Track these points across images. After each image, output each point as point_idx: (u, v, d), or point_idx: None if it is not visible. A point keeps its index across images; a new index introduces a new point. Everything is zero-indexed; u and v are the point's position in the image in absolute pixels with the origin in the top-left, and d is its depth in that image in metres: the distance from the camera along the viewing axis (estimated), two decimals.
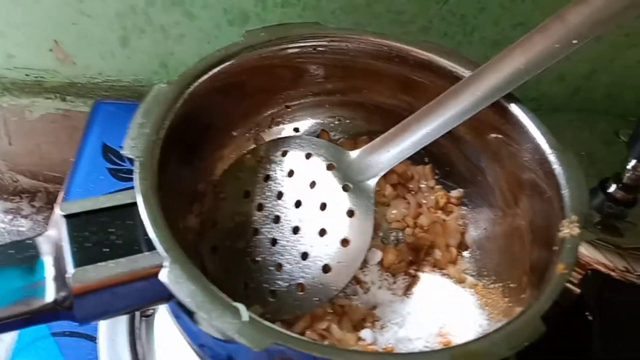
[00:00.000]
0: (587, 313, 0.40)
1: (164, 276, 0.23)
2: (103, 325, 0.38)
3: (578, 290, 0.42)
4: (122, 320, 0.38)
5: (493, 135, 0.35)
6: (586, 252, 0.42)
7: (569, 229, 0.27)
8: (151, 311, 0.39)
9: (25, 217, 0.66)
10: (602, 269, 0.42)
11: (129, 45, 0.51)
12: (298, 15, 0.48)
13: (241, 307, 0.22)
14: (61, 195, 0.46)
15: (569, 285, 0.43)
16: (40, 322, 0.25)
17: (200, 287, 0.22)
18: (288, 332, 0.22)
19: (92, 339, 0.38)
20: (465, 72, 0.34)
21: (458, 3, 0.48)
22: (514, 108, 0.32)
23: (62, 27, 0.50)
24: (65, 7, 0.48)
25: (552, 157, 0.30)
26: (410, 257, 0.37)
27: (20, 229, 0.65)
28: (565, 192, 0.28)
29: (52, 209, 0.67)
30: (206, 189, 0.36)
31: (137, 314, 0.39)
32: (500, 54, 0.32)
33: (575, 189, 0.28)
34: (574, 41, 0.31)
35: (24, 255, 0.25)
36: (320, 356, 0.21)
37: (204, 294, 0.22)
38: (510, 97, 0.32)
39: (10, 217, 0.66)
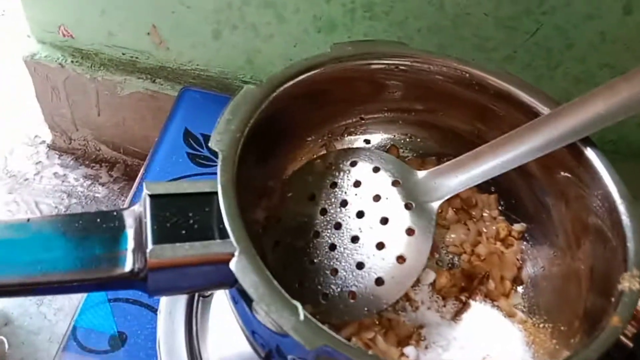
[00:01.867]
0: None
1: (232, 265, 0.24)
2: (164, 299, 0.41)
3: (631, 345, 0.41)
4: (182, 297, 0.41)
5: (564, 174, 0.35)
6: None
7: (629, 282, 0.27)
8: (210, 293, 0.41)
9: (103, 184, 0.71)
10: None
11: (221, 38, 0.54)
12: (384, 30, 0.49)
13: (299, 305, 0.24)
14: (141, 171, 0.50)
15: (622, 338, 0.42)
16: (115, 288, 0.27)
17: (263, 280, 0.24)
18: (339, 337, 0.23)
19: (153, 309, 0.41)
20: (544, 109, 0.34)
21: (546, 36, 0.48)
22: (589, 152, 0.32)
23: (161, 13, 0.53)
24: None
25: (621, 207, 0.30)
26: (463, 283, 0.37)
27: (97, 194, 0.70)
28: (630, 244, 0.28)
29: (128, 180, 0.71)
30: (275, 187, 0.38)
31: (196, 293, 0.41)
32: (582, 97, 0.32)
33: None
34: None
35: (109, 225, 0.27)
36: None
37: (266, 287, 0.24)
38: (587, 141, 0.32)
39: (89, 182, 0.71)
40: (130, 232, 0.27)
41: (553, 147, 0.32)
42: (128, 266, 0.27)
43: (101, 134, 0.69)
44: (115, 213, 0.28)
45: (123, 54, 0.59)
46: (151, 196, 0.28)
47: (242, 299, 0.29)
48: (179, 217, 0.27)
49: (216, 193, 0.27)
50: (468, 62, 0.36)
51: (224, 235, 0.26)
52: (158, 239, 0.26)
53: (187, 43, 0.56)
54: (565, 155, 0.33)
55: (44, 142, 0.73)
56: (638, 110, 0.31)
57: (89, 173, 0.72)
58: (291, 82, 0.33)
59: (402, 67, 0.36)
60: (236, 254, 0.25)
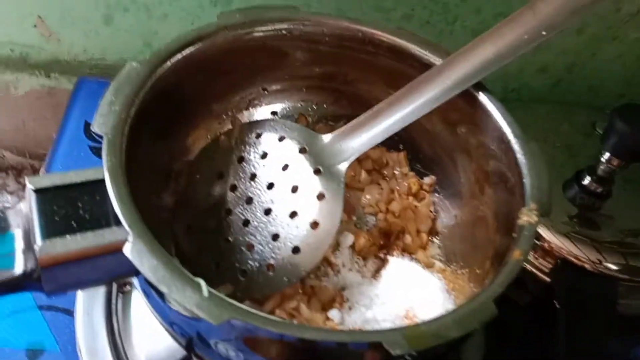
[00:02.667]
0: (555, 301, 0.41)
1: (127, 250, 0.23)
2: (80, 299, 0.39)
3: (548, 279, 0.43)
4: (99, 295, 0.39)
5: (463, 128, 0.36)
6: (559, 243, 0.43)
7: (527, 216, 0.28)
8: (128, 287, 0.40)
9: (11, 193, 0.67)
10: (575, 261, 0.42)
11: (113, 23, 0.51)
12: None
13: (201, 282, 0.23)
14: (42, 171, 0.47)
15: (539, 273, 0.44)
16: (8, 292, 0.25)
17: (162, 261, 0.23)
18: (245, 307, 0.23)
19: (69, 312, 0.39)
20: (438, 61, 0.34)
21: None
22: (482, 97, 0.33)
23: (45, 2, 0.50)
24: None
25: (516, 146, 0.31)
26: (381, 241, 0.37)
27: (6, 204, 0.66)
28: (526, 180, 0.29)
29: None
30: (182, 169, 0.37)
31: (114, 289, 0.39)
32: (470, 44, 0.33)
33: (536, 177, 0.29)
34: (544, 32, 0.31)
35: None
36: (275, 331, 0.22)
37: (165, 269, 0.23)
38: (480, 86, 0.33)
39: None
40: (17, 232, 0.26)
41: (448, 96, 0.32)
42: (19, 268, 0.25)
43: (2, 139, 0.65)
44: None
45: (11, 50, 0.55)
46: (36, 191, 0.26)
47: (152, 290, 0.28)
48: (69, 208, 0.26)
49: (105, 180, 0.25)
50: (359, 21, 0.36)
51: (118, 222, 0.25)
52: (47, 234, 0.25)
53: (78, 32, 0.52)
54: (461, 103, 0.34)
55: None
56: (524, 49, 0.31)
57: None
58: (179, 56, 0.32)
59: (295, 32, 0.36)
60: (130, 238, 0.24)
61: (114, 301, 0.39)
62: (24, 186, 0.67)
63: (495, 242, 0.32)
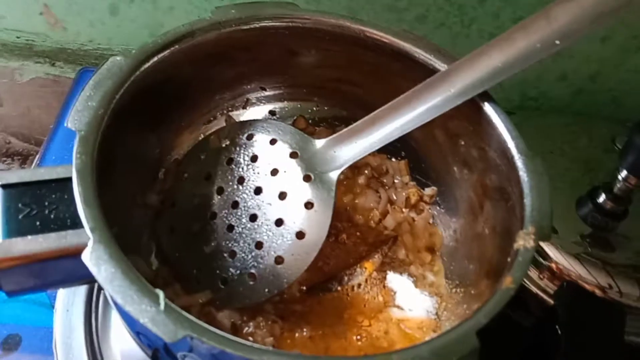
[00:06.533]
0: (557, 326, 0.39)
1: (85, 256, 0.22)
2: (61, 295, 0.38)
3: (552, 302, 0.41)
4: (81, 292, 0.38)
5: (465, 138, 0.33)
6: (568, 264, 0.40)
7: (524, 240, 0.25)
8: None
9: None
10: (584, 285, 0.40)
11: (119, 14, 0.50)
12: None
13: (160, 294, 0.21)
14: (35, 162, 0.46)
15: (543, 295, 0.42)
16: None
17: (120, 270, 0.22)
18: (204, 325, 0.21)
19: (49, 307, 0.38)
20: (443, 67, 0.32)
21: None
22: (488, 108, 0.31)
23: None
24: None
25: (519, 163, 0.28)
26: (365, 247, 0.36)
27: None
28: (527, 200, 0.27)
29: None
30: (170, 167, 0.36)
31: (96, 287, 0.38)
32: (478, 50, 0.30)
33: (537, 198, 0.27)
34: (557, 42, 0.29)
35: None
36: (234, 353, 0.20)
37: (123, 278, 0.22)
38: (485, 96, 0.31)
39: None
40: None
41: (451, 105, 0.30)
42: None
43: (8, 125, 0.64)
44: None
45: (17, 37, 0.54)
46: (2, 186, 0.25)
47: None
48: (35, 207, 0.24)
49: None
50: (362, 21, 0.34)
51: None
52: (9, 233, 0.23)
53: (84, 21, 0.52)
54: (465, 113, 0.31)
55: None
56: (536, 59, 0.29)
57: (1, 168, 0.67)
58: (166, 52, 0.30)
59: (294, 30, 0.34)
60: (90, 243, 0.22)
61: (94, 299, 0.37)
62: None
63: (492, 261, 0.30)
